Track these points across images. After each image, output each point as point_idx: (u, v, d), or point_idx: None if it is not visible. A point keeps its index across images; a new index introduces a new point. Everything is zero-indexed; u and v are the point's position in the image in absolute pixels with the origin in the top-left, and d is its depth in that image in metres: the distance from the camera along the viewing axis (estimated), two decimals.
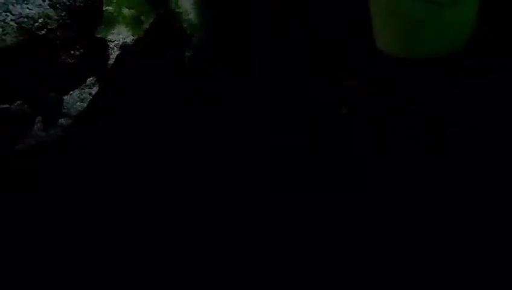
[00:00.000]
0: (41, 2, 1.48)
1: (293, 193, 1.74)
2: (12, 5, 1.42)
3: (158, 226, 1.73)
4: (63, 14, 1.52)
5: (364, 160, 1.73)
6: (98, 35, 1.85)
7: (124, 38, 2.07)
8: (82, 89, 2.01)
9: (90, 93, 2.02)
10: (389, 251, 1.56)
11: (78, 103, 1.85)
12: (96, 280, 1.62)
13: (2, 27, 1.42)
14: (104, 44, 2.07)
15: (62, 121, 2.14)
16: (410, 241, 1.56)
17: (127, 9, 1.93)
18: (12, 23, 1.44)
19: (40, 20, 1.48)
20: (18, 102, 1.72)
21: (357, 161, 1.74)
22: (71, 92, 1.87)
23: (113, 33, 1.99)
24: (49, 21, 1.49)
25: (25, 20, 1.45)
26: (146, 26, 2.16)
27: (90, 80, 2.01)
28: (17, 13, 1.43)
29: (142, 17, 2.08)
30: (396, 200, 1.63)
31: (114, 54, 2.20)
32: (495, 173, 1.63)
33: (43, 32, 1.50)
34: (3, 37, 1.43)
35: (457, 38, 1.17)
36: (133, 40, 2.44)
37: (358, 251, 1.58)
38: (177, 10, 2.18)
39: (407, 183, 1.68)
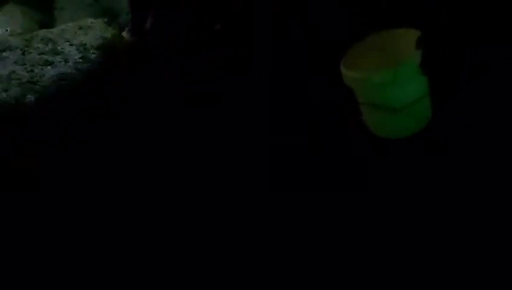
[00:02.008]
0: None
1: (293, 193, 1.74)
2: None
3: (158, 226, 1.73)
4: None
5: (364, 160, 1.73)
6: None
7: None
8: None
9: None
10: (389, 251, 1.56)
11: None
12: (96, 279, 1.62)
13: None
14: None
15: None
16: (410, 241, 1.56)
17: None
18: None
19: None
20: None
21: (357, 161, 1.74)
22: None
23: None
24: None
25: None
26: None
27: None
28: None
29: None
30: (396, 200, 1.63)
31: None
32: (494, 173, 1.63)
33: None
34: None
35: (416, 127, 1.44)
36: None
37: (357, 251, 1.58)
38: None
39: (406, 182, 1.68)
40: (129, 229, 1.72)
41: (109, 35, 2.14)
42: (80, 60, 1.94)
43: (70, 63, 1.88)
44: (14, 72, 1.75)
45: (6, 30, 2.12)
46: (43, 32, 1.98)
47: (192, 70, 2.28)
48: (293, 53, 2.18)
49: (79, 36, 1.97)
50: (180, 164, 1.91)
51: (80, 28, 2.03)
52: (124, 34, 2.36)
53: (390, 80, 1.32)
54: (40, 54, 1.84)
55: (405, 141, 1.61)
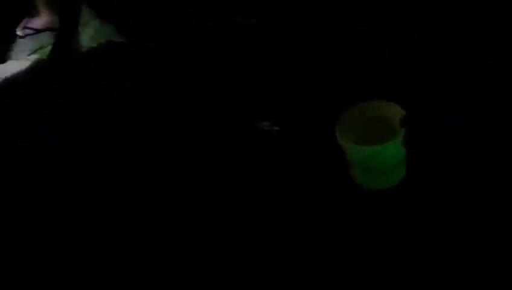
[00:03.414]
0: None
1: (292, 193, 1.74)
2: None
3: (158, 226, 1.73)
4: None
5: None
6: None
7: None
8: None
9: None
10: (388, 251, 1.56)
11: None
12: (96, 279, 1.62)
13: None
14: None
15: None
16: (409, 241, 1.56)
17: None
18: None
19: None
20: None
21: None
22: None
23: None
24: None
25: None
26: None
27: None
28: None
29: None
30: (396, 199, 1.64)
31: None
32: (494, 172, 1.63)
33: None
34: None
35: (395, 180, 1.69)
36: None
37: (357, 251, 1.58)
38: None
39: (406, 182, 1.68)
40: (129, 229, 1.72)
41: None
42: None
43: None
44: None
45: None
46: None
47: (192, 70, 2.29)
48: (293, 53, 2.18)
49: None
50: (180, 164, 1.91)
51: None
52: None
53: (378, 152, 1.60)
54: None
55: (404, 140, 1.62)
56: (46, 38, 2.61)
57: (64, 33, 2.49)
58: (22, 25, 2.66)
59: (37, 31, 2.65)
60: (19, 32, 2.66)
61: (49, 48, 2.51)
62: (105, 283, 1.59)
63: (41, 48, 2.58)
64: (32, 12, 2.63)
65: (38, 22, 2.64)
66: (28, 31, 2.66)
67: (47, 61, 2.46)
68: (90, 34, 2.55)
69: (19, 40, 2.66)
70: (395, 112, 1.66)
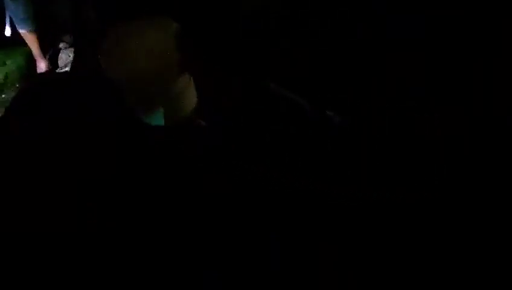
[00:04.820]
0: None
1: (292, 192, 1.73)
2: None
3: (158, 226, 1.73)
4: None
5: (363, 160, 1.73)
6: None
7: None
8: None
9: None
10: (389, 251, 1.55)
11: None
12: (96, 279, 1.61)
13: None
14: None
15: None
16: (410, 241, 1.55)
17: None
18: None
19: None
20: None
21: (356, 161, 1.74)
22: None
23: None
24: None
25: None
26: None
27: None
28: None
29: None
30: (395, 199, 1.63)
31: None
32: (495, 172, 1.63)
33: None
34: None
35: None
36: None
37: (357, 251, 1.57)
38: None
39: (405, 181, 1.67)
40: (129, 228, 1.72)
41: None
42: None
43: None
44: None
45: None
46: None
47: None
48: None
49: None
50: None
51: None
52: None
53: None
54: None
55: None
56: None
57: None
58: None
59: None
60: None
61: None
62: (104, 283, 1.59)
63: None
64: None
65: None
66: None
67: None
68: None
69: None
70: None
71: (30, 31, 2.65)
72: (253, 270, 1.62)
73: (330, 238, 1.58)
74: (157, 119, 1.48)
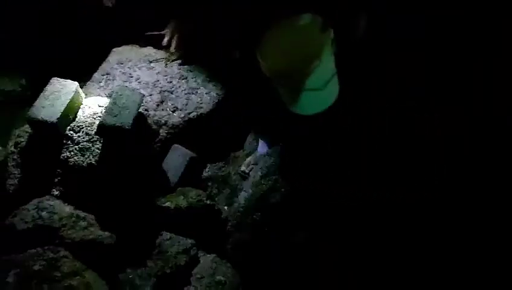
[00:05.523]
0: None
1: (292, 192, 1.74)
2: None
3: (158, 225, 1.73)
4: None
5: (363, 160, 1.72)
6: None
7: None
8: None
9: None
10: (388, 251, 1.55)
11: None
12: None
13: None
14: None
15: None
16: (410, 241, 1.55)
17: None
18: None
19: None
20: None
21: (356, 161, 1.73)
22: None
23: None
24: None
25: None
26: None
27: None
28: None
29: None
30: (395, 199, 1.63)
31: None
32: (494, 172, 1.62)
33: None
34: None
35: (329, 102, 1.63)
36: None
37: (357, 251, 1.57)
38: None
39: (405, 181, 1.67)
40: (129, 228, 1.72)
41: None
42: None
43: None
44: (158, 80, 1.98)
45: None
46: None
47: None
48: None
49: None
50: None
51: None
52: None
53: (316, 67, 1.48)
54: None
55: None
56: None
57: None
58: None
59: None
60: None
61: None
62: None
63: None
64: None
65: None
66: None
67: None
68: None
69: None
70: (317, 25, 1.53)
71: None
72: (254, 270, 1.63)
73: (330, 238, 1.59)
74: (307, 108, 1.63)
